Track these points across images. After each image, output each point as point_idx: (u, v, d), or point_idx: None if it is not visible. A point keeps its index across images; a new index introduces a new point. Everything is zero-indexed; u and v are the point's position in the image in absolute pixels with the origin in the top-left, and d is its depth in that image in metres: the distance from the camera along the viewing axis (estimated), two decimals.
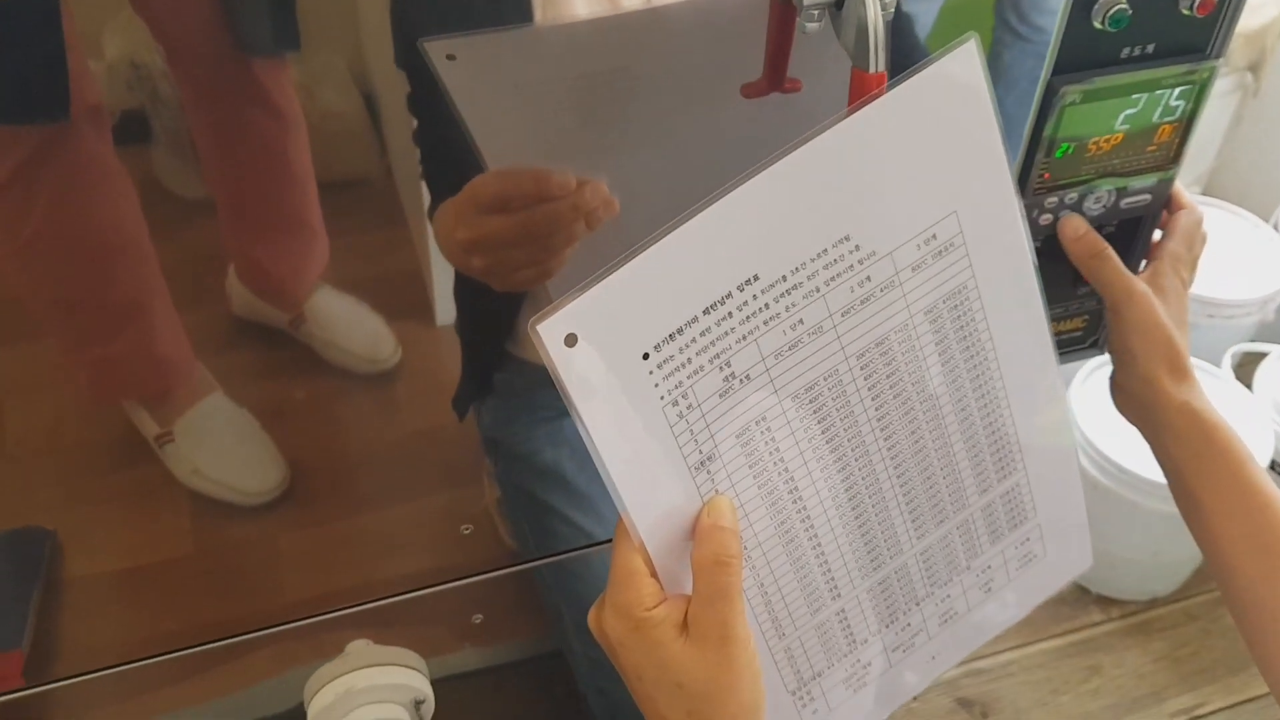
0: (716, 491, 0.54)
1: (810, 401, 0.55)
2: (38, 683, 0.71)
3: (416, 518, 0.75)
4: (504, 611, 0.85)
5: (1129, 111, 0.65)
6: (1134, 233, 0.72)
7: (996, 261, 0.58)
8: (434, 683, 0.79)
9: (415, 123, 0.57)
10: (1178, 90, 0.65)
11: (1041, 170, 0.66)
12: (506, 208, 0.59)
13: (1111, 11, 0.60)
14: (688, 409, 0.52)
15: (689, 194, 0.50)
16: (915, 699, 1.52)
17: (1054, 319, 0.78)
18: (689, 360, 0.51)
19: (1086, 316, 0.77)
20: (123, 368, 0.64)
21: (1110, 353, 0.72)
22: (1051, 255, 0.70)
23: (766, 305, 0.52)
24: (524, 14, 0.55)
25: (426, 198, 0.59)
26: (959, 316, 0.59)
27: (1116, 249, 0.69)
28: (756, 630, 0.59)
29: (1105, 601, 1.65)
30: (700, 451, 0.53)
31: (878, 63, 0.50)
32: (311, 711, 0.75)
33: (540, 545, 0.82)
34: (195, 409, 0.65)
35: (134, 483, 0.66)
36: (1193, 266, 0.72)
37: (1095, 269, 0.69)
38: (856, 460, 0.58)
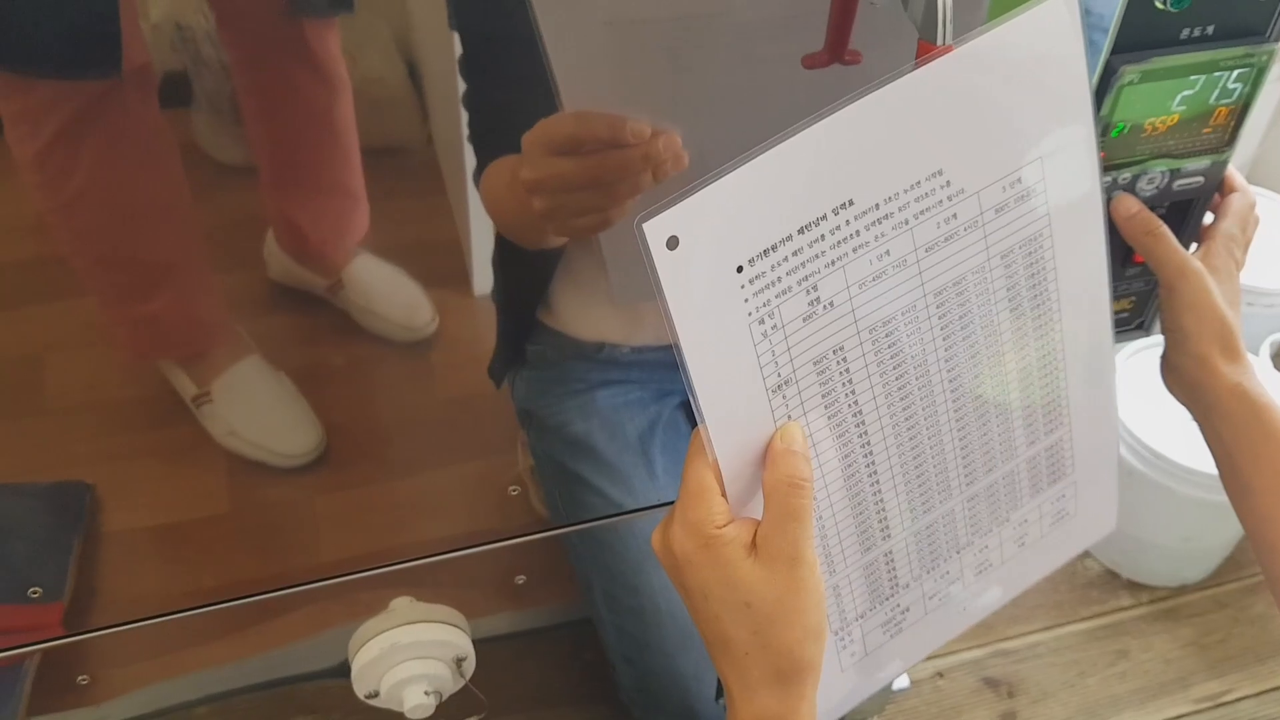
0: (790, 417, 0.54)
1: (886, 336, 0.56)
2: (77, 632, 0.72)
3: (451, 484, 0.76)
4: (547, 574, 0.86)
5: (1186, 93, 0.65)
6: (1185, 215, 0.71)
7: (1072, 214, 0.59)
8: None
9: (464, 86, 0.56)
10: (1236, 73, 0.65)
11: (1097, 149, 0.66)
12: (577, 150, 0.58)
13: None
14: (772, 329, 0.52)
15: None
16: (941, 676, 1.52)
17: None
18: (779, 279, 0.51)
19: (1134, 298, 0.76)
20: (161, 327, 0.65)
21: (1163, 331, 0.71)
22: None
23: (858, 232, 0.52)
24: None
25: (470, 163, 0.59)
26: (1032, 264, 0.59)
27: None
28: None
29: (1135, 586, 1.64)
30: (779, 374, 0.53)
31: (945, 35, 0.50)
32: (356, 665, 0.76)
33: (570, 515, 0.82)
34: (232, 371, 0.66)
35: (172, 441, 0.67)
36: (1245, 248, 0.71)
37: (1149, 246, 0.68)
38: (921, 401, 0.59)
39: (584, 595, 0.90)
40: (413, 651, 0.77)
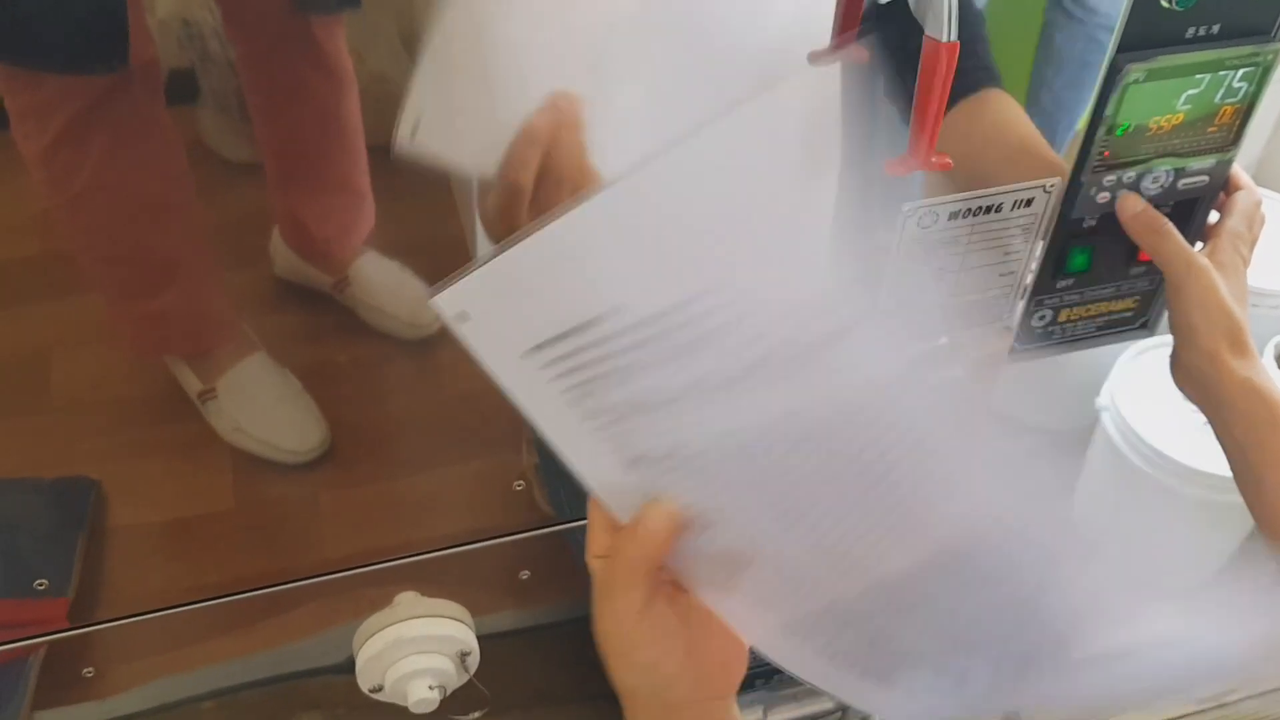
0: (662, 487, 0.49)
1: (737, 447, 0.48)
2: (82, 625, 0.73)
3: (455, 481, 0.76)
4: (552, 569, 0.86)
5: (1191, 92, 0.65)
6: (1190, 214, 0.71)
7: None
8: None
9: None
10: (1241, 72, 0.65)
11: (1101, 148, 0.66)
12: (532, 190, 0.57)
13: None
14: (595, 412, 0.47)
15: None
16: None
17: (1105, 299, 0.77)
18: (582, 366, 0.46)
19: (1138, 297, 0.76)
20: (166, 323, 0.65)
21: (1171, 329, 0.71)
22: (1108, 234, 0.70)
23: (644, 342, 0.46)
24: None
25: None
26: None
27: None
28: (776, 632, 0.54)
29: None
30: (626, 454, 0.48)
31: (950, 31, 0.49)
32: (360, 659, 0.76)
33: (575, 510, 0.82)
34: (238, 367, 0.66)
35: (177, 437, 0.67)
36: (1252, 245, 0.71)
37: (1155, 244, 0.68)
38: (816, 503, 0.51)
39: (588, 592, 0.90)
40: (417, 646, 0.77)
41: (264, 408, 0.67)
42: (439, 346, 0.67)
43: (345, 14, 0.54)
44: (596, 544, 0.51)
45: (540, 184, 0.57)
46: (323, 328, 0.65)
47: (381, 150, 0.57)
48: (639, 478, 0.49)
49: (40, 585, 0.70)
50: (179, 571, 0.73)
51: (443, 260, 0.62)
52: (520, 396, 0.47)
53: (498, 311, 0.46)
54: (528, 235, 0.44)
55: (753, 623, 0.54)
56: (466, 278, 0.45)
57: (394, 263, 0.63)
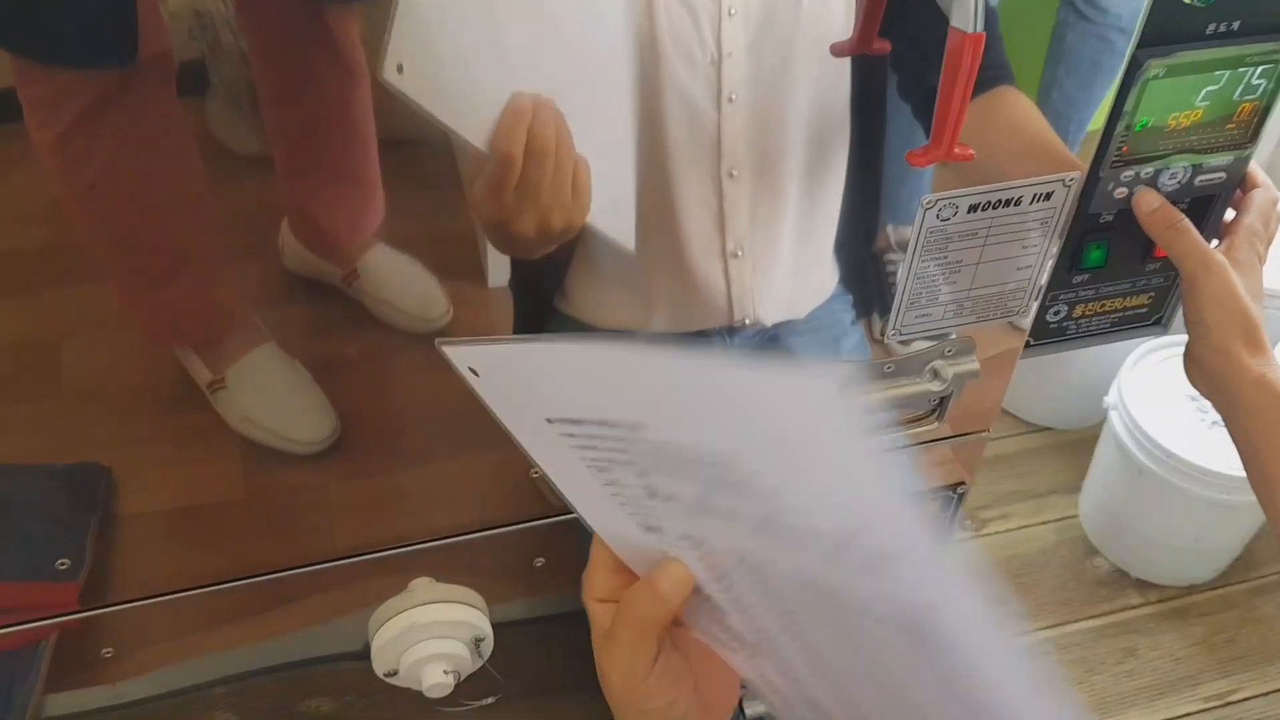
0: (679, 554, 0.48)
1: (745, 562, 0.46)
2: (93, 607, 0.73)
3: (464, 474, 0.76)
4: (566, 557, 0.85)
5: (1210, 88, 0.65)
6: (1206, 210, 0.71)
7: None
8: None
9: None
10: (1260, 69, 0.65)
11: (1120, 143, 0.66)
12: (517, 164, 0.58)
13: None
14: (615, 482, 0.46)
15: None
16: None
17: (1120, 294, 0.77)
18: (596, 447, 0.45)
19: (1152, 294, 0.76)
20: (176, 313, 0.65)
21: (1186, 325, 0.71)
22: (1124, 230, 0.70)
23: (665, 455, 0.43)
24: None
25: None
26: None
27: None
28: (774, 692, 0.53)
29: (1144, 585, 1.64)
30: (645, 520, 0.47)
31: (977, 22, 0.49)
32: (375, 644, 0.77)
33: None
34: (247, 358, 0.66)
35: (187, 426, 0.67)
36: (1268, 243, 0.71)
37: (1171, 240, 0.68)
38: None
39: None
40: (432, 631, 0.77)
41: (273, 398, 0.67)
42: None
43: (359, 5, 0.54)
44: (600, 586, 0.51)
45: (526, 160, 0.57)
46: (332, 320, 0.65)
47: (392, 143, 0.57)
48: (657, 540, 0.48)
49: (62, 565, 0.70)
50: (190, 558, 0.74)
51: (452, 254, 0.62)
52: (533, 450, 0.47)
53: (510, 381, 0.46)
54: (559, 338, 0.44)
55: (745, 665, 0.53)
56: (477, 345, 0.45)
57: (404, 256, 0.63)
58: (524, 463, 0.77)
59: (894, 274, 0.79)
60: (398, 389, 0.70)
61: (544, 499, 0.80)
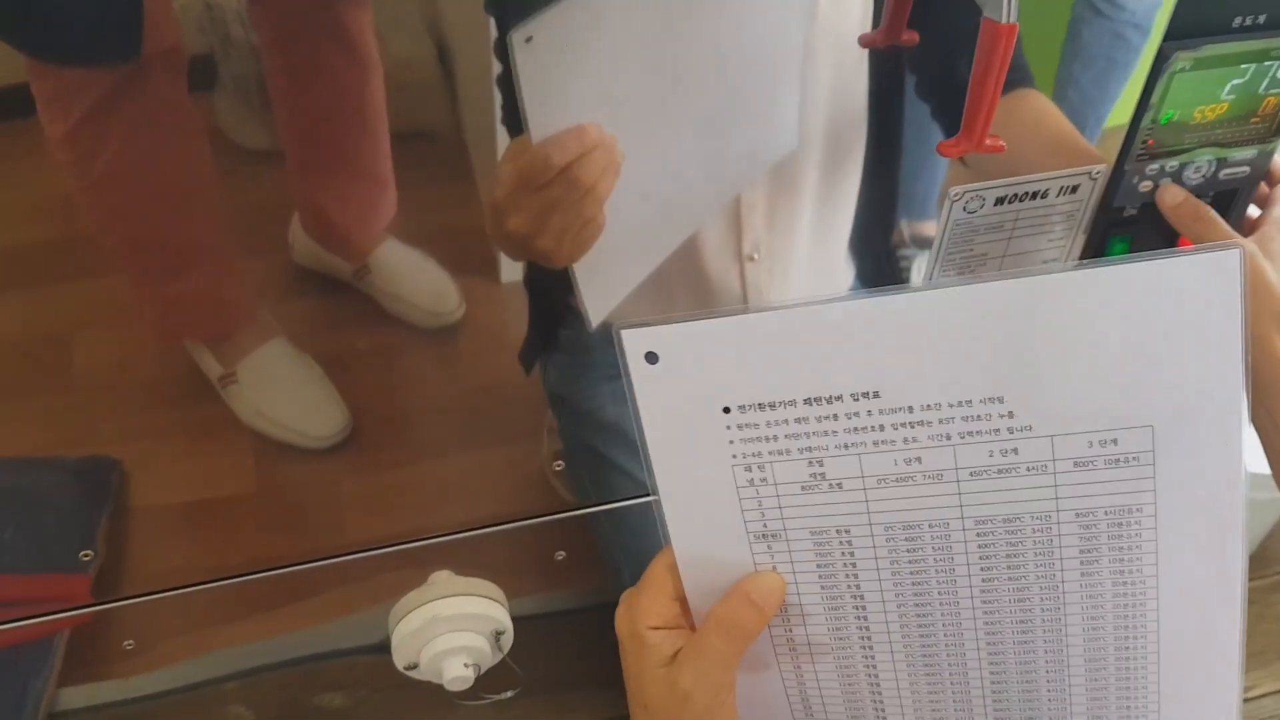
0: (774, 567, 0.51)
1: (907, 540, 0.50)
2: (104, 600, 0.73)
3: (475, 469, 0.75)
4: (587, 551, 0.86)
5: (1236, 82, 0.64)
6: (1229, 205, 0.71)
7: (1194, 502, 0.48)
8: None
9: (499, 68, 0.56)
10: None
11: (1145, 137, 0.66)
12: (553, 175, 0.58)
13: None
14: (761, 482, 0.48)
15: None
16: None
17: None
18: (775, 438, 0.47)
19: None
20: (187, 308, 0.65)
21: None
22: (1148, 223, 0.70)
23: (881, 427, 0.47)
24: None
25: (503, 147, 0.58)
26: (1119, 537, 0.49)
27: None
28: (784, 703, 0.56)
29: (1245, 614, 1.63)
30: (765, 526, 0.49)
31: (1010, 13, 0.48)
32: (396, 637, 0.76)
33: (600, 498, 0.82)
34: (258, 352, 0.66)
35: (198, 420, 0.67)
36: None
37: (1199, 232, 0.68)
38: (943, 615, 0.52)
39: (614, 579, 0.90)
40: (453, 624, 0.77)
41: (284, 392, 0.67)
42: (459, 334, 0.67)
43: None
44: (659, 613, 0.51)
45: (559, 176, 0.57)
46: (343, 315, 0.65)
47: (404, 137, 0.57)
48: (764, 550, 0.50)
49: (85, 556, 0.70)
50: (202, 552, 0.74)
51: (464, 249, 0.62)
52: (668, 460, 0.47)
53: (698, 362, 0.45)
54: (776, 307, 0.44)
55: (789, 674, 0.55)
56: (673, 325, 0.45)
57: (415, 251, 0.63)
58: (539, 456, 0.77)
59: (907, 269, 0.79)
60: (409, 383, 0.69)
61: (565, 493, 0.79)
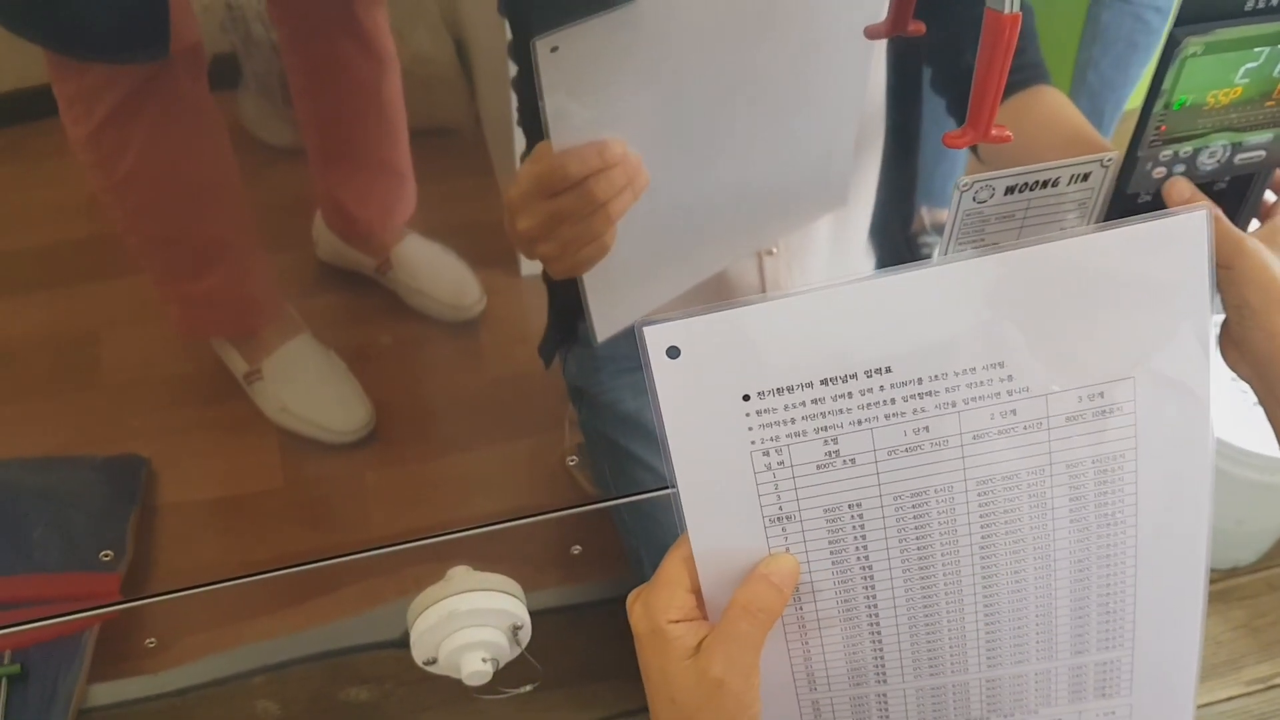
0: (788, 549, 0.53)
1: (914, 507, 0.53)
2: (134, 598, 0.74)
3: (498, 460, 0.76)
4: (603, 544, 0.86)
5: (1250, 65, 0.63)
6: (1245, 189, 0.70)
7: (1169, 444, 0.54)
8: None
9: (515, 69, 0.56)
10: None
11: (1158, 123, 0.65)
12: (568, 186, 0.59)
13: None
14: (778, 465, 0.51)
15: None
16: None
17: None
18: (792, 420, 0.50)
19: None
20: (213, 306, 0.65)
21: (1226, 309, 0.70)
22: (1162, 209, 0.69)
23: (893, 400, 0.50)
24: None
25: (520, 144, 0.59)
26: (1104, 483, 0.54)
27: (1227, 205, 0.68)
28: (788, 674, 0.58)
29: (1209, 550, 1.62)
30: (781, 509, 0.52)
31: (1013, 2, 0.48)
32: (414, 632, 0.77)
33: (620, 489, 0.82)
34: (283, 349, 0.67)
35: (225, 417, 0.68)
36: None
37: None
38: (945, 578, 0.56)
39: (634, 570, 0.91)
40: (471, 619, 0.77)
41: (309, 388, 0.67)
42: (481, 328, 0.68)
43: None
44: (677, 606, 0.52)
45: (574, 188, 0.58)
46: (366, 310, 0.66)
47: (424, 132, 0.57)
48: (770, 535, 0.52)
49: (106, 556, 0.71)
50: (230, 547, 0.74)
51: (484, 242, 0.62)
52: (687, 449, 0.49)
53: (718, 353, 0.48)
54: (790, 295, 0.47)
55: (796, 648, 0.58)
56: (696, 317, 0.47)
57: (436, 245, 0.63)
58: (556, 451, 0.78)
59: (928, 256, 0.79)
60: (432, 377, 0.70)
61: (581, 487, 0.80)
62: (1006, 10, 0.49)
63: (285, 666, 0.85)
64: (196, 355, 0.66)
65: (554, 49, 0.52)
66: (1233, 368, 0.71)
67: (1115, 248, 0.49)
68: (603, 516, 0.83)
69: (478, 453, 0.75)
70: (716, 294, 0.75)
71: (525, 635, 0.80)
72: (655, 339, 0.47)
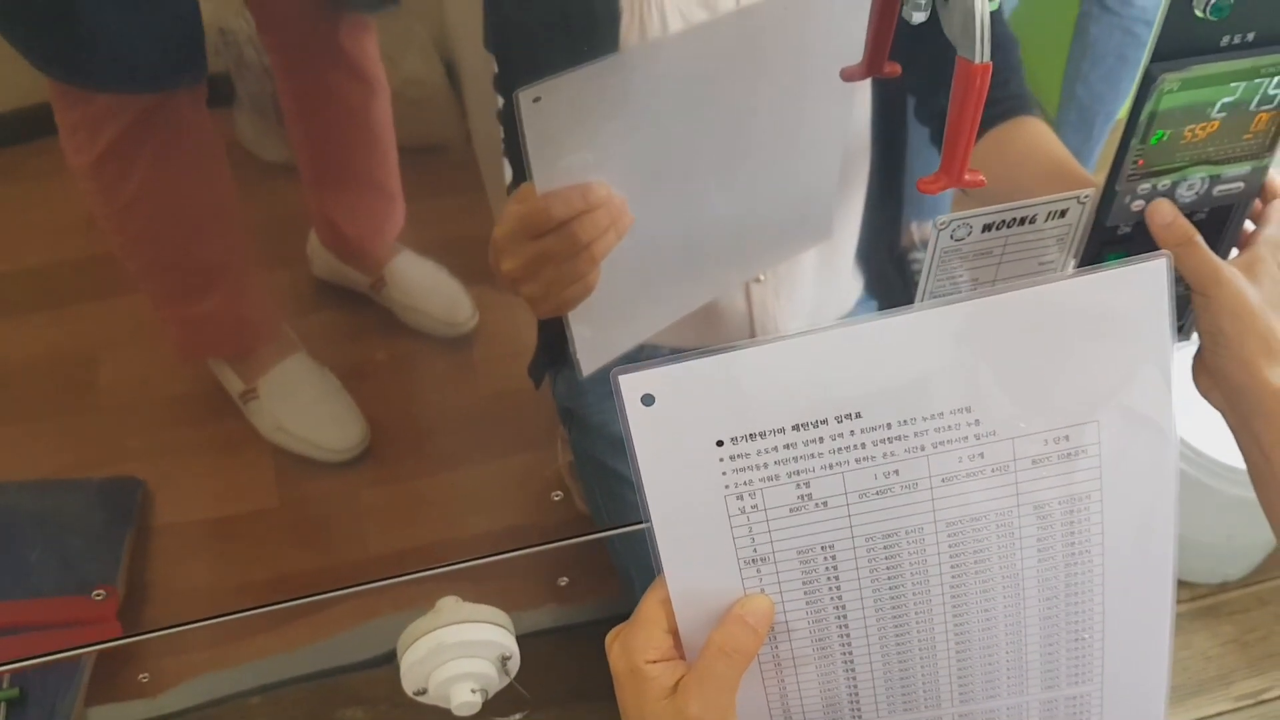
0: (763, 589, 0.54)
1: (885, 548, 0.54)
2: (133, 631, 0.74)
3: (494, 478, 0.77)
4: (590, 575, 0.87)
5: (1226, 99, 0.64)
6: (1224, 220, 0.71)
7: (1132, 486, 0.55)
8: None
9: (501, 102, 0.58)
10: (1276, 79, 0.64)
11: (1136, 157, 0.65)
12: (552, 228, 0.60)
13: (1214, 0, 0.59)
14: (752, 508, 0.52)
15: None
16: None
17: None
18: (765, 465, 0.51)
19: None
20: (210, 326, 0.66)
21: (1201, 337, 0.70)
22: (1142, 241, 0.69)
23: (863, 445, 0.51)
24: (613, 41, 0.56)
25: (508, 173, 0.60)
26: (1072, 524, 0.56)
27: (1206, 236, 0.68)
28: (765, 712, 0.59)
29: (1176, 583, 1.63)
30: (755, 550, 0.53)
31: (984, 52, 0.49)
32: (404, 664, 0.78)
33: (610, 511, 0.83)
34: (279, 367, 0.67)
35: (220, 437, 0.68)
36: None
37: (1183, 255, 0.68)
38: (917, 615, 0.57)
39: (624, 592, 0.91)
40: (459, 651, 0.78)
41: (304, 406, 0.68)
42: (474, 344, 0.68)
43: (378, 21, 0.55)
44: (655, 647, 0.53)
45: (556, 230, 0.60)
46: (361, 327, 0.66)
47: (416, 151, 0.58)
48: (753, 575, 0.53)
49: (99, 595, 0.71)
50: (225, 570, 0.75)
51: (477, 259, 0.63)
52: (663, 495, 0.51)
53: (691, 401, 0.49)
54: (761, 343, 0.49)
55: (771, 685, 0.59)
56: (669, 365, 0.48)
57: (429, 262, 0.64)
58: (548, 468, 0.78)
59: (918, 272, 0.80)
60: (426, 394, 0.70)
61: (567, 519, 0.80)
62: (977, 60, 0.49)
63: (280, 686, 0.84)
64: (192, 375, 0.66)
65: (536, 99, 0.53)
66: (1205, 395, 0.72)
67: (1080, 293, 0.51)
68: (591, 548, 0.83)
69: (472, 469, 0.75)
70: (704, 319, 0.76)
71: (514, 665, 0.80)
72: (630, 387, 0.49)
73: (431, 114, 0.58)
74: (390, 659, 0.80)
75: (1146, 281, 0.51)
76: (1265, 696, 1.51)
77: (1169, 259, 0.50)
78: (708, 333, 0.78)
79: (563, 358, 0.75)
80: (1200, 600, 1.62)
